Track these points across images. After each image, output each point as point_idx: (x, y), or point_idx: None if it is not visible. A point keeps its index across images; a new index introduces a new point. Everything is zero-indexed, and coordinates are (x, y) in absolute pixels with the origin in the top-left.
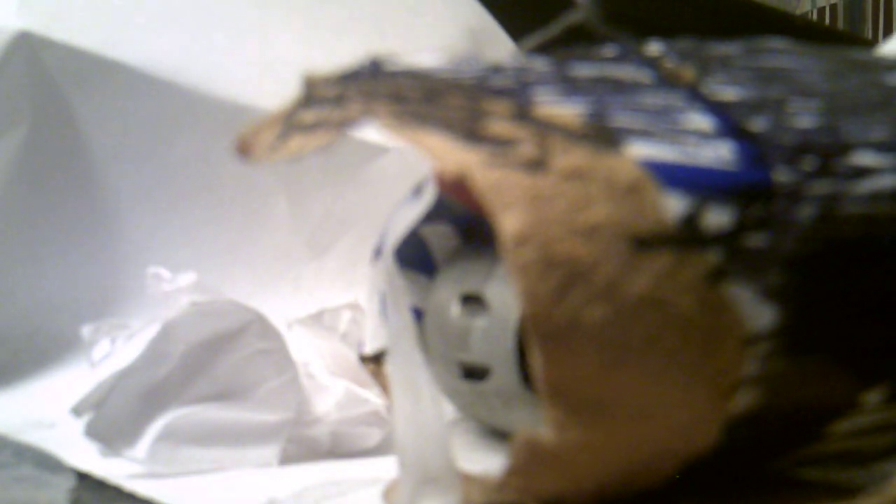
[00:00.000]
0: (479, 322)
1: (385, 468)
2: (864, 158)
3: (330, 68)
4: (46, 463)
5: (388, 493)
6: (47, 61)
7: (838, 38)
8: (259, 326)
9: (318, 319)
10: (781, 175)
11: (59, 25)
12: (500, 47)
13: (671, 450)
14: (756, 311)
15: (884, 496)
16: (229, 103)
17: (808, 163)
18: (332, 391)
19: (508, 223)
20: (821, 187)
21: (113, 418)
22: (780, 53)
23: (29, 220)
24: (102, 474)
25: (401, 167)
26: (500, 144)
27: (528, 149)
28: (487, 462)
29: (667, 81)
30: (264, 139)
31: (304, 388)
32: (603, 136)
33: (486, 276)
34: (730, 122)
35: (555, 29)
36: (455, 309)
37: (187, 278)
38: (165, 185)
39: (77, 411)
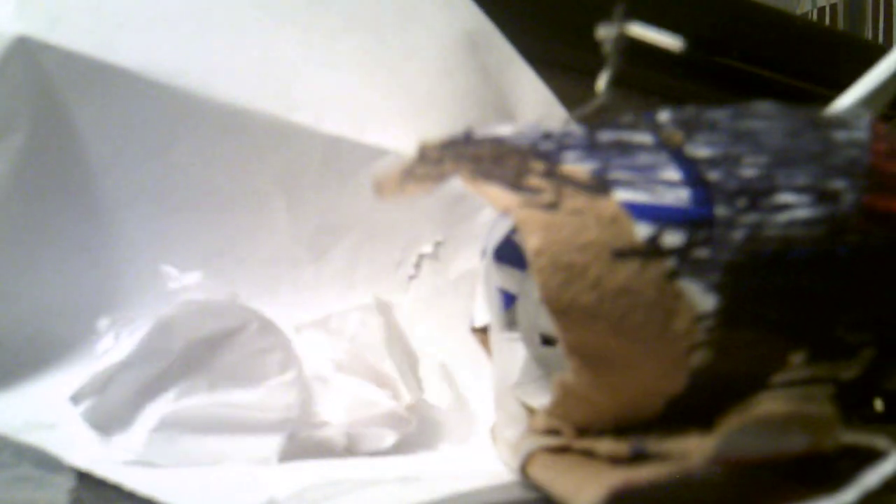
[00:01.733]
0: None
1: (385, 468)
2: (785, 198)
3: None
4: (46, 463)
5: (492, 430)
6: (46, 65)
7: (838, 38)
8: (258, 326)
9: (324, 323)
10: (721, 210)
11: (58, 30)
12: (497, 50)
13: (656, 390)
14: (703, 298)
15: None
16: (228, 106)
17: (742, 202)
18: (345, 393)
19: (530, 242)
20: (749, 218)
21: (110, 406)
22: (757, 117)
23: (28, 224)
24: (102, 474)
25: None
26: (532, 192)
27: (548, 196)
28: None
29: (662, 144)
30: (391, 183)
31: (317, 391)
32: (600, 186)
33: None
34: (694, 174)
35: (588, 108)
36: (535, 294)
37: (192, 277)
38: (164, 189)
39: (76, 399)
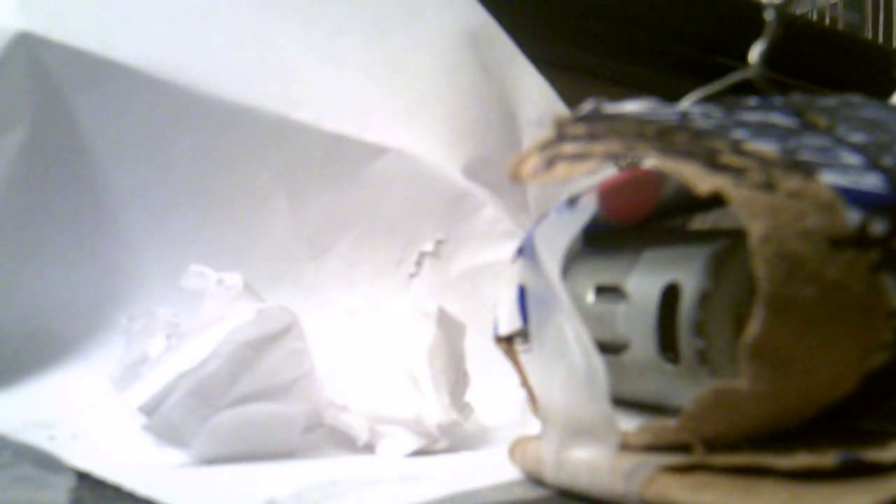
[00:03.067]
0: (619, 307)
1: (385, 468)
2: None
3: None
4: (46, 463)
5: (517, 449)
6: (47, 62)
7: (838, 38)
8: (297, 327)
9: (374, 315)
10: None
11: (59, 26)
12: (498, 47)
13: (819, 397)
14: None
15: None
16: (229, 103)
17: None
18: (374, 389)
19: (756, 227)
20: None
21: (171, 415)
22: (865, 107)
23: (29, 220)
24: (102, 474)
25: (399, 168)
26: (737, 172)
27: (758, 175)
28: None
29: (809, 127)
30: (528, 166)
31: (347, 382)
32: (803, 167)
33: (626, 271)
34: (869, 159)
35: (724, 83)
36: (590, 297)
37: (234, 279)
38: (165, 185)
39: (145, 410)
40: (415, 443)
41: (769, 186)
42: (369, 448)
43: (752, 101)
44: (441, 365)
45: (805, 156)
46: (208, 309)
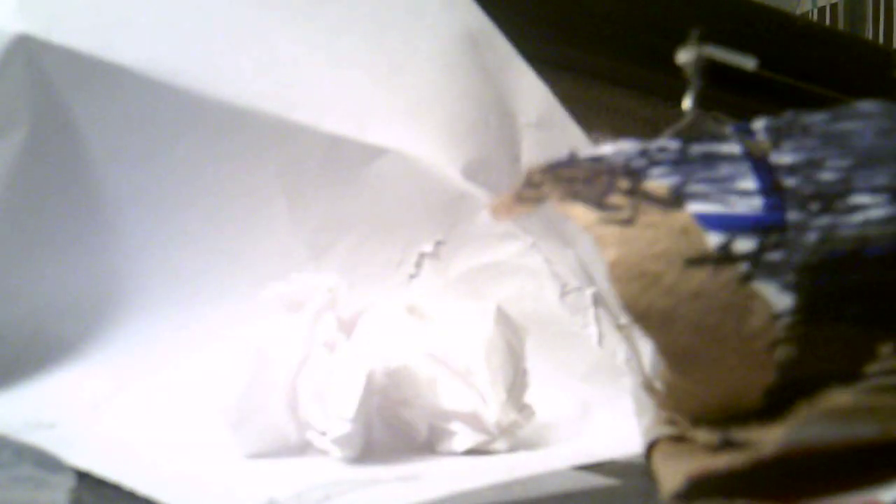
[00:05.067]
0: None
1: (385, 468)
2: (860, 199)
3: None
4: (46, 463)
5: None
6: (46, 64)
7: (838, 38)
8: None
9: (431, 310)
10: (792, 216)
11: (59, 28)
12: (496, 49)
13: (748, 383)
14: (779, 298)
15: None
16: (229, 105)
17: (815, 206)
18: (434, 382)
19: (606, 255)
20: (822, 221)
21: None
22: (854, 118)
23: (29, 222)
24: (102, 474)
25: (398, 169)
26: (612, 209)
27: (626, 212)
28: None
29: (748, 153)
30: (505, 207)
31: (406, 375)
32: (675, 200)
33: None
34: (770, 182)
35: (679, 126)
36: None
37: (333, 279)
38: (165, 187)
39: (357, 420)
40: (472, 439)
41: (630, 221)
42: (430, 447)
43: (719, 129)
44: (498, 362)
45: (694, 188)
46: (314, 311)
